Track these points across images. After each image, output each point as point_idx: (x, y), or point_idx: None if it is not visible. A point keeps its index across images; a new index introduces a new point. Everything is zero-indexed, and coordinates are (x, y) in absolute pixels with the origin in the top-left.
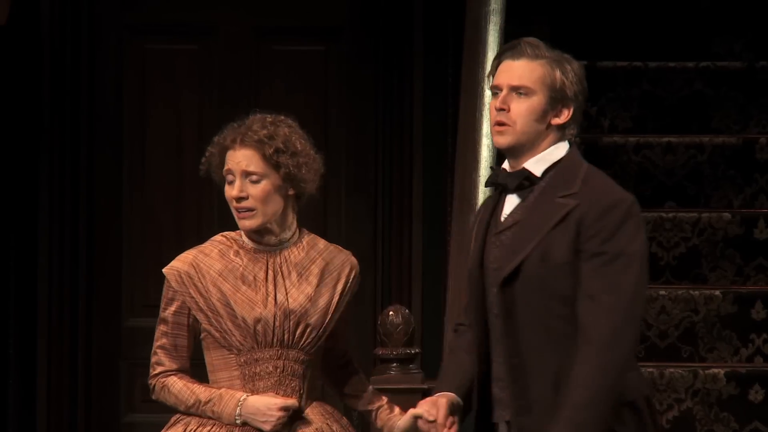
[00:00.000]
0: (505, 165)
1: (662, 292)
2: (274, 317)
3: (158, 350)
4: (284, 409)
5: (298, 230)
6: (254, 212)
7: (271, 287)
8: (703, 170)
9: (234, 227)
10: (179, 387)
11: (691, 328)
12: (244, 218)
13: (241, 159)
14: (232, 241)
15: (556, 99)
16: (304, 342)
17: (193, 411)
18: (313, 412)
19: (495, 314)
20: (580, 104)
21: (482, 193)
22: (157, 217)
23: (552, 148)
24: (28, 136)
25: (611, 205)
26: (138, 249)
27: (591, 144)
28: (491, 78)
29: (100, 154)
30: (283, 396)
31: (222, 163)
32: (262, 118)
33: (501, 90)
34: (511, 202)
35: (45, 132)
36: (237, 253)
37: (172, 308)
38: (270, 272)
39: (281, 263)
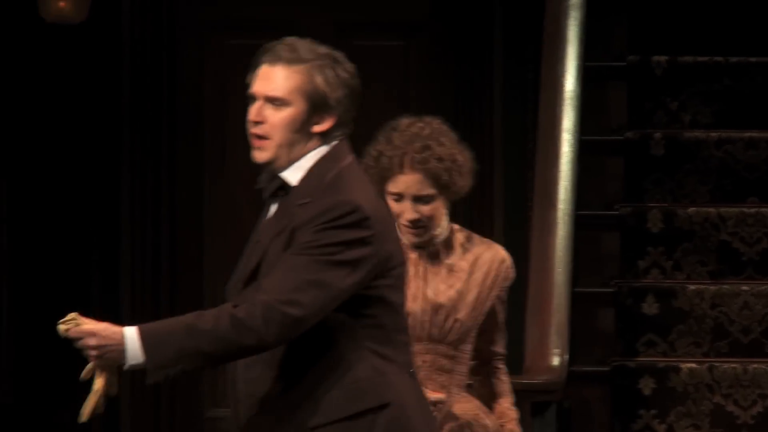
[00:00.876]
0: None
1: (744, 288)
2: (423, 312)
3: None
4: (431, 403)
5: (449, 227)
6: (426, 228)
7: (421, 282)
8: None
9: None
10: None
11: None
12: (415, 235)
13: (411, 184)
14: None
15: (316, 107)
16: (452, 337)
17: None
18: (461, 407)
19: None
20: (346, 108)
21: (563, 188)
22: (238, 212)
23: (311, 154)
24: (109, 133)
25: (326, 209)
26: (220, 244)
27: (672, 139)
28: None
29: (181, 150)
30: (430, 390)
31: (383, 179)
32: (419, 131)
33: (257, 99)
34: (272, 209)
35: (126, 128)
36: None
37: None
38: (420, 268)
39: (432, 259)
